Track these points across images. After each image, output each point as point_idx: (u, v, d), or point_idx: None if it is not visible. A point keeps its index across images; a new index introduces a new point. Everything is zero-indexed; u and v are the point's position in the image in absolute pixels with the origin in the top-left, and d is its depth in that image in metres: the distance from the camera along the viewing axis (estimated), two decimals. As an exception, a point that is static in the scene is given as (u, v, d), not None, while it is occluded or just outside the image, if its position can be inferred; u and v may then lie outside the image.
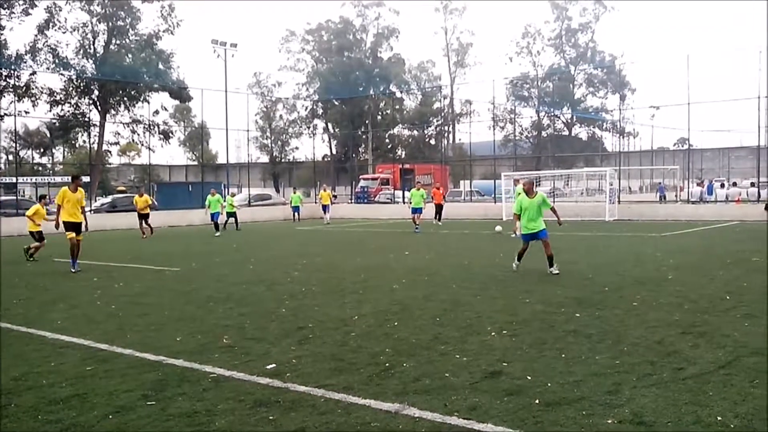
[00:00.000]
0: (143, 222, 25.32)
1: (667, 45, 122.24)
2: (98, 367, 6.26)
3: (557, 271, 11.82)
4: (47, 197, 20.45)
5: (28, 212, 17.88)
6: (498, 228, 22.65)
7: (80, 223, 14.00)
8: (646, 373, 5.65)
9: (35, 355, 6.79)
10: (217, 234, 25.05)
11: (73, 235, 13.87)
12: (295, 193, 37.37)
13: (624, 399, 4.99)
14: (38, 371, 6.17)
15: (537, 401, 4.98)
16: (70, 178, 14.98)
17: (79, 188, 14.09)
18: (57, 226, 14.26)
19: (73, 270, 13.74)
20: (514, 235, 20.96)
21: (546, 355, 6.34)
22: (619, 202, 32.93)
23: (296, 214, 35.22)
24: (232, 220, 28.87)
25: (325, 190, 35.58)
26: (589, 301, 9.16)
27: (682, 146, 64.77)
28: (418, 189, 26.71)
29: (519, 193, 22.09)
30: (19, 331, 8.08)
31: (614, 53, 74.58)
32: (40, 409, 5.11)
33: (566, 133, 74.84)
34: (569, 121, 74.83)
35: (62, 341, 7.43)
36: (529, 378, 5.57)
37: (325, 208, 33.82)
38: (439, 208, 29.46)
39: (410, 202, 26.92)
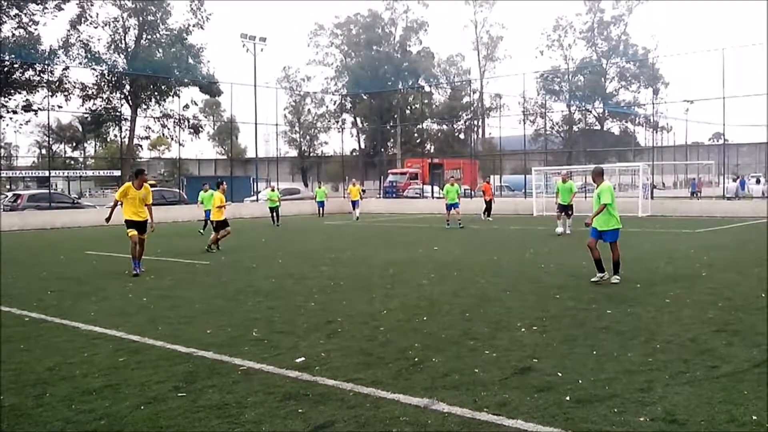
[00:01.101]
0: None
1: (702, 38, 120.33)
2: (130, 359, 6.35)
3: (597, 278, 10.53)
4: (224, 183, 19.08)
5: (215, 203, 17.33)
6: (558, 230, 20.22)
7: (144, 222, 12.59)
8: (679, 371, 5.57)
9: (69, 346, 6.90)
10: (201, 232, 22.73)
11: (135, 232, 12.45)
12: (320, 187, 37.06)
13: (656, 397, 4.92)
14: (72, 362, 6.27)
15: (568, 398, 4.93)
16: (134, 172, 13.30)
17: (145, 185, 12.63)
18: (108, 219, 12.94)
19: (135, 272, 12.23)
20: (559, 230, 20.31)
21: (577, 351, 6.27)
22: (652, 197, 32.47)
23: (321, 208, 34.97)
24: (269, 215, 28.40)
25: (354, 185, 35.00)
26: (620, 297, 9.05)
27: (717, 141, 63.75)
28: (452, 184, 25.20)
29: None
30: (53, 322, 8.22)
31: (647, 46, 73.05)
32: (74, 398, 5.19)
33: (598, 127, 73.74)
34: (601, 115, 73.80)
35: (95, 332, 7.55)
36: (559, 374, 5.52)
37: (354, 203, 32.95)
38: (489, 204, 28.97)
39: (443, 197, 25.96)
